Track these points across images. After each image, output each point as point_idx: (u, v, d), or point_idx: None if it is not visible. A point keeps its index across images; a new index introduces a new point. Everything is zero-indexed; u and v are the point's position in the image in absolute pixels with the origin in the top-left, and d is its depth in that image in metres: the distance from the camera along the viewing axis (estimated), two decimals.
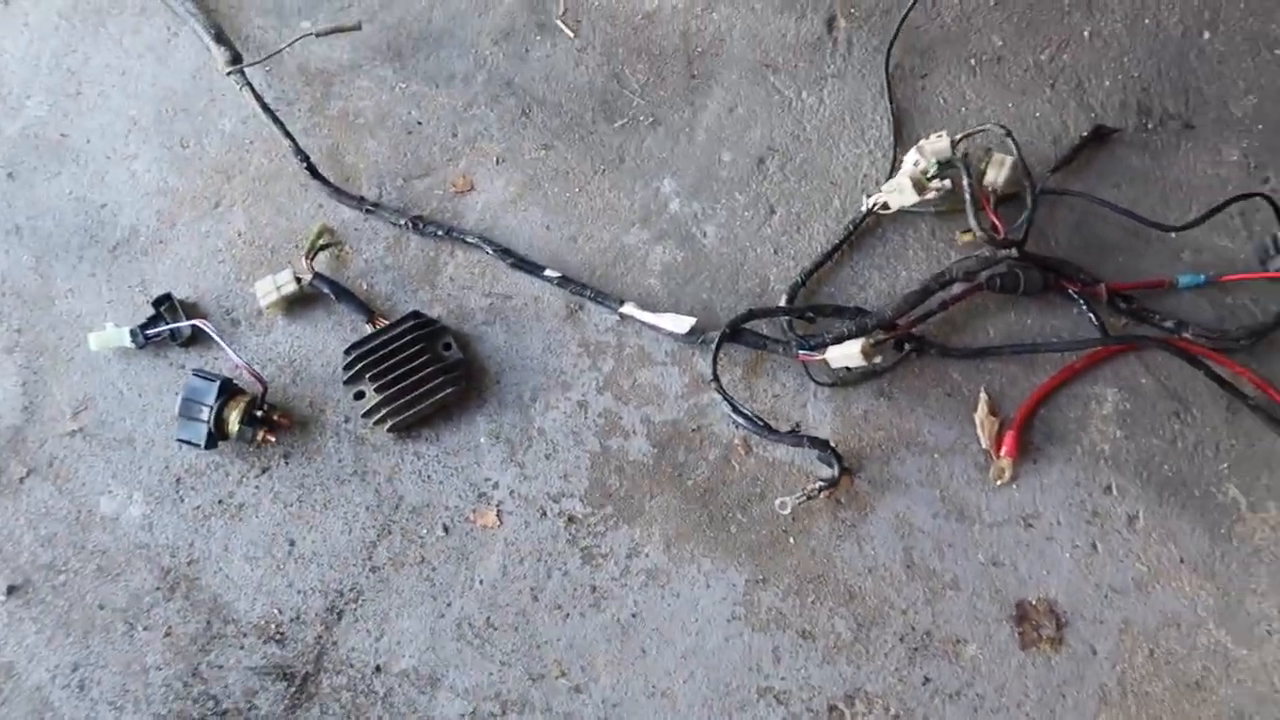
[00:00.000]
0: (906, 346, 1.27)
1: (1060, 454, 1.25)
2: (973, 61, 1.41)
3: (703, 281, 1.30)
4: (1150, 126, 1.39)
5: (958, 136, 1.23)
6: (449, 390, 1.21)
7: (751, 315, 1.22)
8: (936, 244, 1.32)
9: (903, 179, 1.21)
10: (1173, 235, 1.34)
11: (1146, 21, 1.44)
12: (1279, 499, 1.24)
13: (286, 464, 1.22)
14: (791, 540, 1.21)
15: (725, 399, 1.17)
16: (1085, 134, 1.37)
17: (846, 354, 1.17)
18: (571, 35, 1.39)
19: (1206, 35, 1.43)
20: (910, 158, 1.22)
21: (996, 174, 1.30)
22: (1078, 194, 1.33)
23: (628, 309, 1.26)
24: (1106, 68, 1.41)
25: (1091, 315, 1.28)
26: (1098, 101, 1.40)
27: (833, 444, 1.17)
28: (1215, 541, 1.23)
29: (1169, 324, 1.29)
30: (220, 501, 1.21)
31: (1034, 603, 1.20)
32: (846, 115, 1.37)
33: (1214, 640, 1.19)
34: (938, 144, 1.23)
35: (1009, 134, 1.18)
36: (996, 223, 1.27)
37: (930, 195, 1.22)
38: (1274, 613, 1.21)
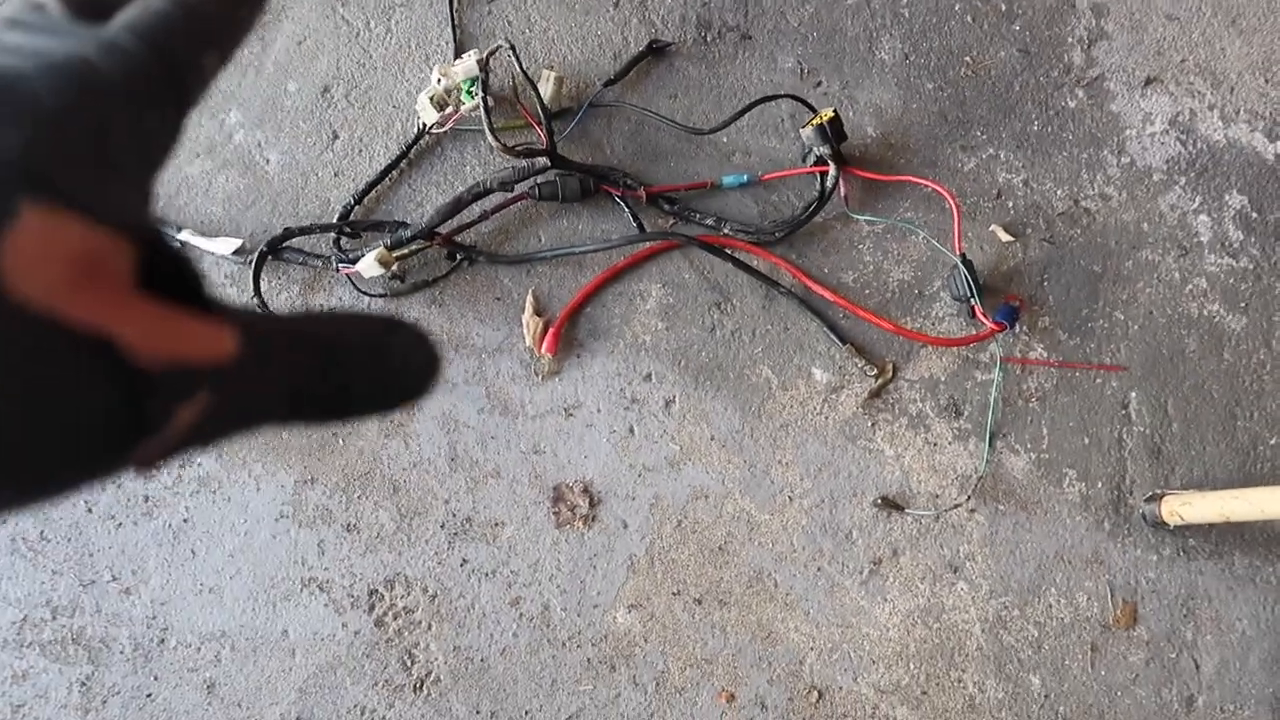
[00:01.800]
0: (458, 256, 1.36)
1: (604, 348, 1.36)
2: None
3: (264, 206, 1.39)
4: (709, 39, 1.49)
5: (482, 55, 1.31)
6: None
7: (289, 234, 1.31)
8: (495, 159, 1.41)
9: (423, 97, 1.30)
10: (723, 139, 1.45)
11: None
12: (807, 377, 1.36)
13: None
14: (341, 442, 1.31)
15: (265, 312, 1.25)
16: (640, 49, 1.46)
17: (369, 264, 1.26)
18: None
19: None
20: (434, 75, 1.31)
21: (544, 90, 1.39)
22: (621, 104, 1.45)
23: (185, 235, 1.34)
24: None
25: (631, 217, 1.38)
26: (659, 17, 1.50)
27: None
28: (746, 419, 1.34)
29: (710, 221, 1.40)
30: None
31: (570, 485, 1.31)
32: (412, 42, 1.46)
33: (739, 508, 1.31)
34: (467, 63, 1.32)
35: (512, 49, 1.27)
36: (542, 135, 1.36)
37: (451, 111, 1.31)
38: (796, 480, 1.33)
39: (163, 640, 1.25)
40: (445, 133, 1.41)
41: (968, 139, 1.49)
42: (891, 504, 1.34)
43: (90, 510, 1.28)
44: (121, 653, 1.24)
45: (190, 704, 1.23)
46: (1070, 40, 1.55)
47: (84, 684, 1.23)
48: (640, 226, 1.40)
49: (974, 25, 1.55)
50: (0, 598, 1.25)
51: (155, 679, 1.24)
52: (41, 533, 1.27)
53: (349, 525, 1.30)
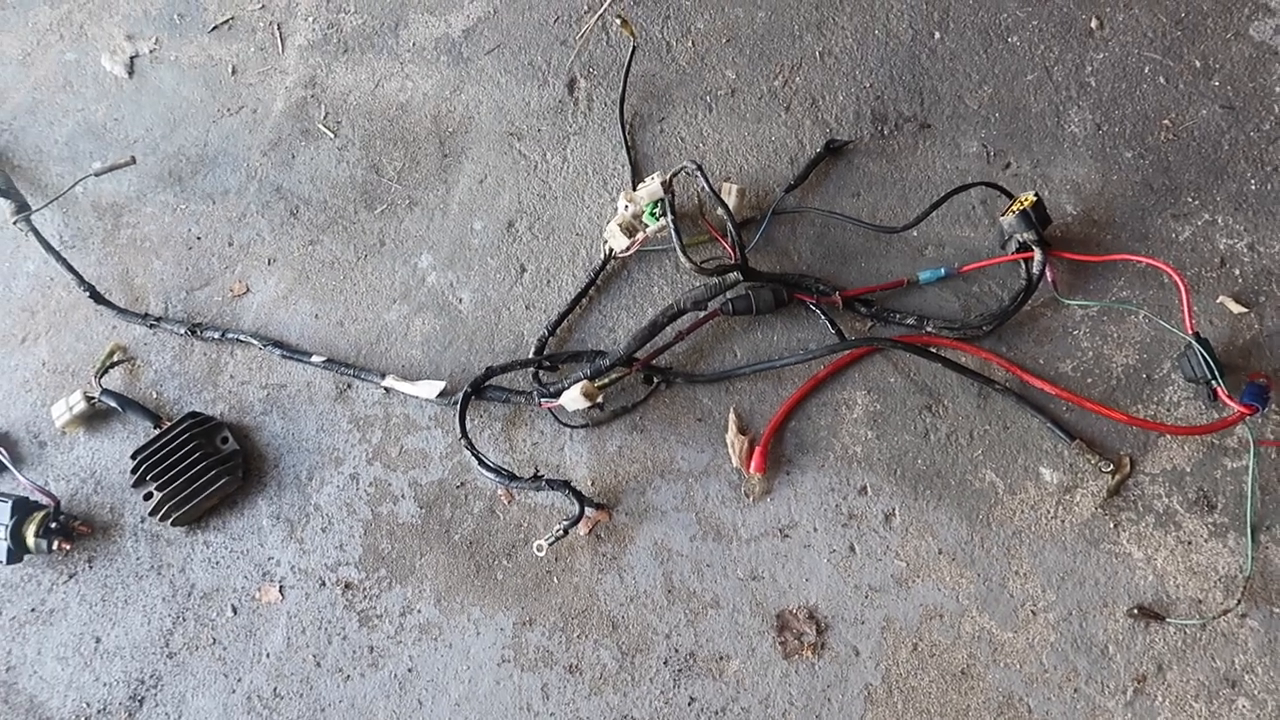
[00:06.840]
0: (655, 380, 1.38)
1: (813, 462, 1.34)
2: (708, 98, 1.54)
3: (461, 345, 1.44)
4: (886, 132, 1.50)
5: (666, 177, 1.35)
6: (225, 480, 1.36)
7: (491, 373, 1.35)
8: (680, 277, 1.44)
9: (612, 225, 1.35)
10: (914, 234, 1.44)
11: (877, 32, 1.55)
12: (1036, 478, 1.31)
13: (91, 567, 1.39)
14: (555, 580, 1.32)
15: (473, 453, 1.30)
16: (818, 151, 1.47)
17: (574, 398, 1.29)
18: (332, 136, 1.58)
19: (937, 35, 1.54)
20: (620, 203, 1.35)
21: (728, 203, 1.41)
22: (804, 209, 1.45)
23: (389, 381, 1.40)
24: (839, 83, 1.53)
25: (829, 323, 1.38)
26: (832, 116, 1.51)
27: (571, 484, 1.28)
28: (974, 528, 1.30)
29: (910, 321, 1.38)
30: (33, 610, 1.38)
31: (794, 611, 1.29)
32: (589, 169, 1.51)
33: (978, 627, 1.26)
34: (651, 186, 1.36)
35: (699, 168, 1.30)
36: (730, 249, 1.38)
37: (641, 236, 1.35)
38: (1037, 592, 1.27)
39: None
40: (630, 255, 1.44)
41: (1178, 206, 1.44)
42: (1149, 613, 1.26)
43: (319, 664, 1.33)
44: None
45: None
46: (1279, 90, 1.48)
47: None
48: (839, 333, 1.39)
49: (1168, 86, 1.50)
50: None
51: None
52: (275, 689, 1.33)
53: (571, 666, 1.30)
